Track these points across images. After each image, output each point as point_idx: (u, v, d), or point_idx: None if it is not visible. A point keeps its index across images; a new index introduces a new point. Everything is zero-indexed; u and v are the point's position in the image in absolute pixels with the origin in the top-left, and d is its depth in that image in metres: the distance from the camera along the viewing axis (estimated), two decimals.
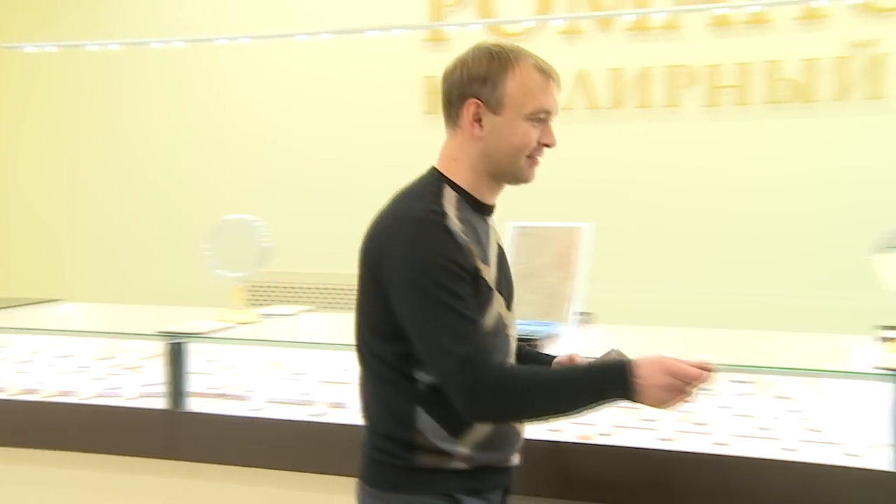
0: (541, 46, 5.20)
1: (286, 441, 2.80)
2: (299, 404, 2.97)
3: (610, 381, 1.75)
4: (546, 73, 1.87)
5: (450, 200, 1.85)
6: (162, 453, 2.87)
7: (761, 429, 2.60)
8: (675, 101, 5.00)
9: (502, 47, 1.89)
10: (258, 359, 3.35)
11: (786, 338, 3.15)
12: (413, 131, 5.36)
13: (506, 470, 1.95)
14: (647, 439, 2.57)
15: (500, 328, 1.88)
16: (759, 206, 4.79)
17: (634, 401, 1.74)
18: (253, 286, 3.49)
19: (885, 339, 2.74)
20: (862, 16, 4.65)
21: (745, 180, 4.82)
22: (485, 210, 1.94)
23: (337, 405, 2.94)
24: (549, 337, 2.87)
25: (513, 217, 3.14)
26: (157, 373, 3.01)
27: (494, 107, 1.84)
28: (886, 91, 4.67)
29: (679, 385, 1.72)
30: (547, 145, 1.89)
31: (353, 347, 1.96)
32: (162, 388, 2.91)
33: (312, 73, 5.68)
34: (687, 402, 1.77)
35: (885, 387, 2.29)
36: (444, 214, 1.80)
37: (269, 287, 5.37)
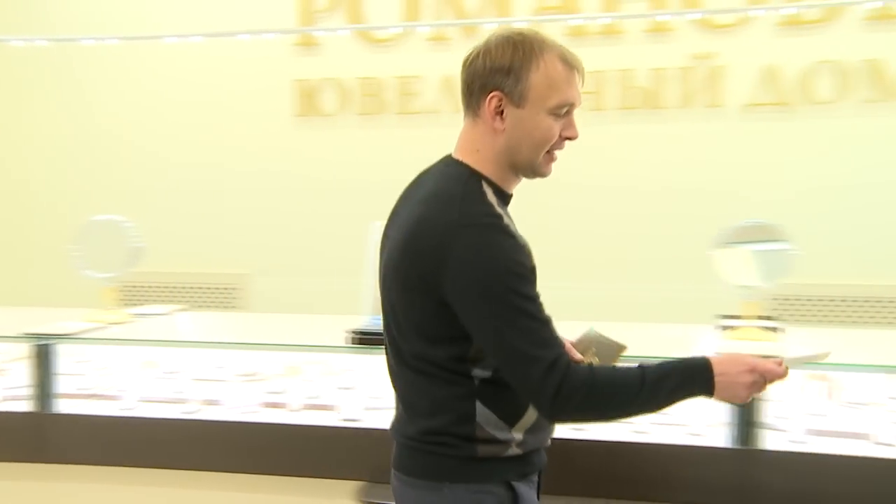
0: (408, 52, 5.28)
1: (158, 439, 2.77)
2: (172, 402, 2.92)
3: (691, 379, 1.74)
4: (570, 64, 1.77)
5: (492, 198, 1.77)
6: (29, 456, 2.78)
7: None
8: None
9: (525, 36, 1.77)
10: (131, 359, 3.29)
11: (639, 328, 3.29)
12: (284, 134, 5.37)
13: (543, 450, 1.92)
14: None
15: None
16: (613, 205, 5.00)
17: (711, 397, 1.74)
18: (125, 286, 3.40)
19: (724, 328, 2.92)
20: (703, 30, 4.94)
21: (600, 180, 5.03)
22: (508, 200, 1.85)
23: (210, 402, 2.92)
24: None
25: (381, 217, 3.17)
26: (24, 375, 2.90)
27: (517, 100, 1.74)
28: (725, 99, 4.95)
29: (760, 381, 1.74)
30: (569, 138, 1.81)
31: (386, 348, 1.91)
32: (28, 391, 2.81)
33: (183, 75, 5.60)
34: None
35: None
36: (499, 216, 1.73)
37: (142, 287, 5.26)
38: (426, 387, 1.81)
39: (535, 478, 1.89)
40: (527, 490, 1.84)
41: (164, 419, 2.81)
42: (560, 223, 5.01)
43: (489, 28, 5.05)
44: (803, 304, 4.90)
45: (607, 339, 1.94)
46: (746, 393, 1.74)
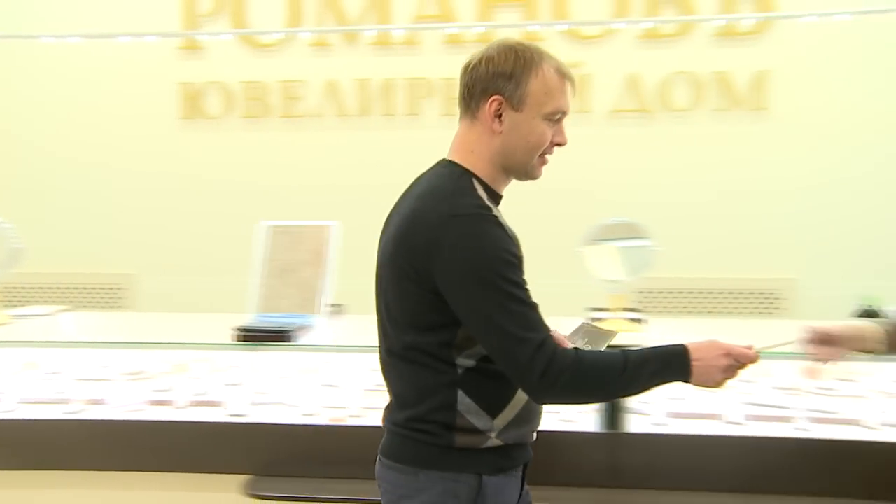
0: (291, 57, 5.26)
1: (39, 440, 2.70)
2: (54, 403, 2.84)
3: (669, 364, 1.78)
4: (565, 74, 1.86)
5: (482, 193, 1.83)
6: None
7: None
8: (415, 110, 5.22)
9: (526, 47, 1.85)
10: (11, 361, 3.17)
11: None
12: (169, 136, 5.29)
13: (528, 445, 1.95)
14: None
15: None
16: None
17: (689, 382, 1.78)
18: (5, 288, 3.28)
19: (593, 319, 3.02)
20: (571, 41, 5.09)
21: None
22: (498, 200, 1.91)
23: (95, 402, 2.85)
24: (302, 328, 2.92)
25: (266, 217, 3.19)
26: None
27: (516, 104, 1.81)
28: (592, 106, 5.15)
29: (735, 365, 1.78)
30: (559, 144, 1.88)
31: (379, 345, 1.95)
32: None
33: (68, 75, 5.45)
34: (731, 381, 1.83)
35: None
36: (488, 208, 1.79)
37: (24, 288, 5.07)
38: (413, 375, 1.85)
39: (519, 472, 1.91)
40: (503, 484, 1.86)
41: (45, 420, 2.75)
42: None
43: (370, 35, 5.11)
44: (665, 297, 5.10)
45: (598, 328, 2.02)
46: (722, 377, 1.78)
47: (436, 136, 5.49)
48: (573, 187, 4.98)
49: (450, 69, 5.07)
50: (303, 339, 2.87)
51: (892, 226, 3.41)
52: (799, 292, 5.02)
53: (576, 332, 2.01)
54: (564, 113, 1.86)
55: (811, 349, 1.97)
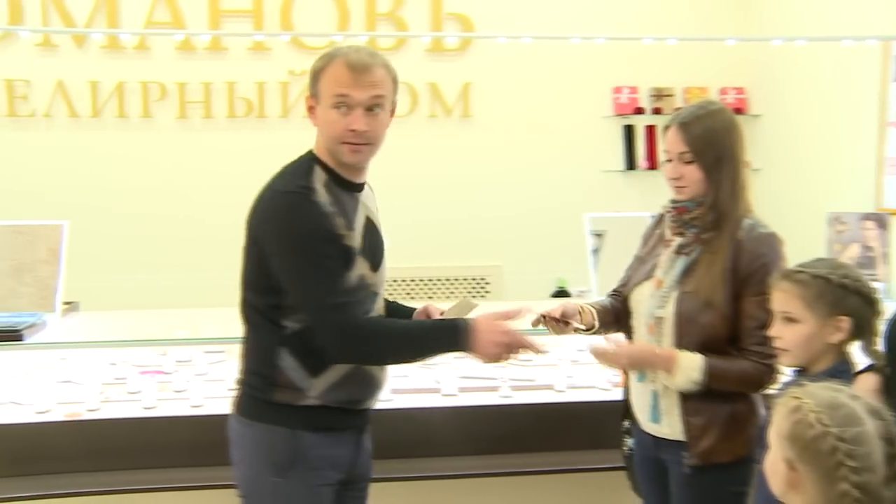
0: (17, 56, 4.91)
1: None
2: None
3: (453, 335, 1.91)
4: (350, 66, 1.91)
5: (319, 178, 1.94)
6: None
7: (230, 389, 2.84)
8: (149, 112, 5.08)
9: (337, 48, 1.98)
10: None
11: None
12: None
13: (358, 413, 2.04)
14: (132, 409, 2.70)
15: (364, 286, 1.98)
16: (223, 203, 5.00)
17: (469, 353, 1.91)
18: None
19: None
20: (297, 50, 5.16)
21: (212, 180, 5.08)
22: (352, 187, 2.00)
23: None
24: (34, 326, 2.81)
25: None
26: None
27: (316, 99, 1.95)
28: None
29: (510, 343, 1.91)
30: (354, 130, 1.92)
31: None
32: None
33: None
34: (510, 361, 1.97)
35: None
36: (311, 189, 1.90)
37: None
38: (250, 334, 2.01)
39: (348, 435, 2.02)
40: (323, 442, 1.96)
41: None
42: (175, 221, 5.00)
43: (97, 38, 4.89)
44: (389, 286, 5.27)
45: (468, 301, 2.14)
46: (498, 351, 1.92)
47: (170, 138, 5.46)
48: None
49: (183, 74, 5.07)
50: (35, 337, 2.76)
51: (577, 216, 3.82)
52: (504, 277, 5.38)
53: (453, 306, 2.16)
54: (347, 97, 1.91)
55: (553, 327, 2.19)
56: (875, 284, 3.88)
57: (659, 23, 5.15)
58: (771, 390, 2.06)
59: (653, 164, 5.42)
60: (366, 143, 1.94)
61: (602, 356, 2.17)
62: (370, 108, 1.93)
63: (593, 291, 3.51)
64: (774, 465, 1.40)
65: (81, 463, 2.54)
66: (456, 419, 2.83)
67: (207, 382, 2.91)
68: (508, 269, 5.38)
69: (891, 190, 4.04)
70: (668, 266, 2.22)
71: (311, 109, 1.99)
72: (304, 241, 1.87)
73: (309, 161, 1.98)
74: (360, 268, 1.96)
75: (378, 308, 2.08)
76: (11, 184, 4.86)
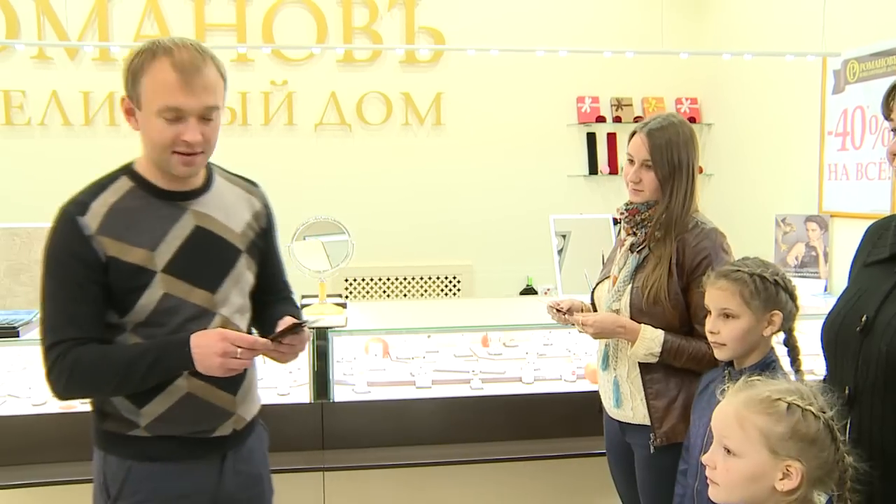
0: (13, 68, 4.87)
1: None
2: None
3: (168, 354, 1.64)
4: (180, 69, 1.58)
5: (117, 190, 1.67)
6: None
7: None
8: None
9: (150, 43, 1.63)
10: None
11: None
12: None
13: (207, 441, 1.74)
14: None
15: (169, 307, 1.68)
16: None
17: (194, 369, 1.62)
18: None
19: (303, 305, 3.15)
20: (278, 62, 5.18)
21: None
22: (172, 196, 1.71)
23: None
24: (30, 323, 2.81)
25: None
26: None
27: (136, 102, 1.63)
28: (298, 119, 5.28)
29: (231, 350, 1.60)
30: (188, 142, 1.61)
31: None
32: None
33: None
34: (236, 367, 1.63)
35: None
36: (82, 205, 1.64)
37: None
38: None
39: (204, 465, 1.74)
40: (157, 473, 1.70)
41: None
42: None
43: (89, 51, 4.85)
44: (367, 284, 5.30)
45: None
46: (219, 361, 1.60)
47: (105, 146, 5.37)
48: (282, 190, 5.05)
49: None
50: (31, 333, 2.76)
51: (543, 218, 3.87)
52: (475, 275, 5.42)
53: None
54: (179, 110, 1.60)
55: (558, 317, 2.29)
56: (817, 281, 4.04)
57: (618, 37, 5.24)
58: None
59: (613, 170, 5.51)
60: (200, 151, 1.65)
61: (563, 319, 2.27)
62: (204, 116, 1.63)
63: (558, 288, 3.56)
64: (759, 470, 1.36)
65: (76, 452, 2.53)
66: (429, 409, 2.85)
67: None
68: (479, 268, 5.43)
69: (831, 194, 4.14)
70: (622, 263, 2.32)
71: (128, 113, 1.66)
72: (48, 268, 1.64)
73: (120, 170, 1.72)
74: (165, 287, 1.66)
75: (196, 326, 1.70)
76: (8, 188, 4.87)
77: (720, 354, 1.96)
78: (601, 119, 5.52)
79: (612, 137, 5.56)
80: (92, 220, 1.63)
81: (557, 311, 2.30)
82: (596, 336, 2.26)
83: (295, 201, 4.95)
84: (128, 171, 1.71)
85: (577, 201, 5.28)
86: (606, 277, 2.38)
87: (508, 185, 5.43)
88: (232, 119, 5.16)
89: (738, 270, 1.91)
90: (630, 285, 2.25)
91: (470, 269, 5.44)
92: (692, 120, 5.35)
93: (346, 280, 5.20)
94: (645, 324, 2.20)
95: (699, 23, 5.45)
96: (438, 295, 5.41)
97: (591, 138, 5.55)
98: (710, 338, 1.96)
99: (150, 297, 1.66)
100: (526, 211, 5.27)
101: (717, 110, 5.45)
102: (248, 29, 5.13)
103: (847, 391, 1.60)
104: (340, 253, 3.21)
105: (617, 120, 5.51)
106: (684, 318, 2.20)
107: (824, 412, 1.38)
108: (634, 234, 2.30)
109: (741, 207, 4.95)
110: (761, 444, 1.36)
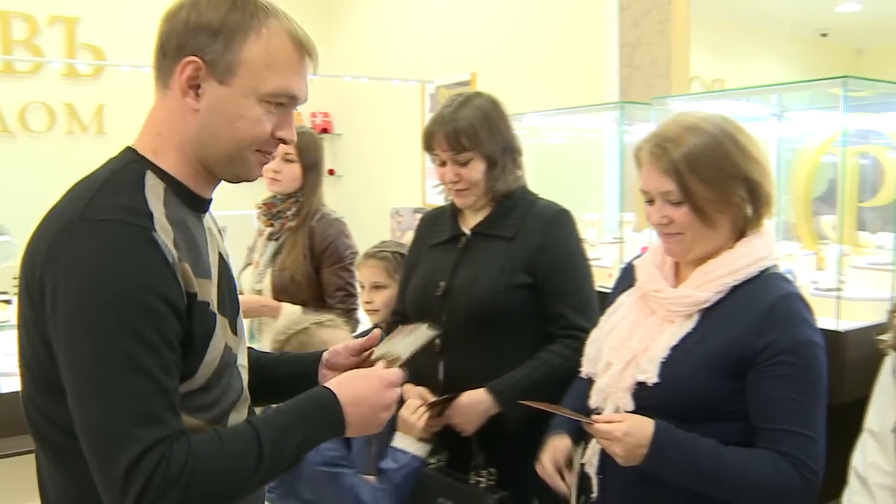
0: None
1: None
2: None
3: (318, 427, 1.16)
4: (302, 46, 1.17)
5: (155, 193, 1.13)
6: None
7: None
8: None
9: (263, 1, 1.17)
10: None
11: None
12: None
13: None
14: None
15: (229, 361, 1.20)
16: None
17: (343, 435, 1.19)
18: None
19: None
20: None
21: None
22: (200, 205, 1.22)
23: None
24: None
25: None
26: None
27: (221, 73, 1.13)
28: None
29: (397, 396, 1.25)
30: (283, 140, 1.20)
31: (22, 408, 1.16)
32: None
33: None
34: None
35: None
36: (147, 215, 1.08)
37: None
38: (51, 464, 1.17)
39: None
40: None
41: None
42: None
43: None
44: None
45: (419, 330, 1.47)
46: (386, 417, 1.22)
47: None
48: (45, 194, 5.02)
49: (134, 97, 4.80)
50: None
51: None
52: None
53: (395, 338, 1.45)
54: (295, 98, 1.18)
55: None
56: None
57: None
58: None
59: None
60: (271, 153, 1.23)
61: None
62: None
63: None
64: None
65: None
66: None
67: None
68: None
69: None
70: (262, 250, 2.64)
71: (192, 83, 1.14)
72: (117, 317, 1.01)
73: (134, 163, 1.16)
74: (222, 333, 1.17)
75: (244, 389, 1.26)
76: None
77: (374, 319, 2.28)
78: None
79: None
80: (166, 237, 1.09)
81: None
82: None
83: None
84: (144, 162, 1.17)
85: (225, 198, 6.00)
86: (249, 264, 2.64)
87: None
88: None
89: (382, 251, 2.27)
90: (270, 269, 2.53)
91: None
92: (324, 131, 6.43)
93: (14, 278, 5.33)
94: (285, 302, 2.46)
95: (329, 48, 6.44)
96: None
97: None
98: (365, 307, 2.30)
99: (215, 352, 1.16)
100: None
101: (345, 123, 6.55)
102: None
103: (437, 341, 1.80)
104: (2, 252, 3.48)
105: None
106: (317, 295, 2.51)
107: None
108: (272, 224, 2.58)
109: (364, 202, 6.03)
110: None
